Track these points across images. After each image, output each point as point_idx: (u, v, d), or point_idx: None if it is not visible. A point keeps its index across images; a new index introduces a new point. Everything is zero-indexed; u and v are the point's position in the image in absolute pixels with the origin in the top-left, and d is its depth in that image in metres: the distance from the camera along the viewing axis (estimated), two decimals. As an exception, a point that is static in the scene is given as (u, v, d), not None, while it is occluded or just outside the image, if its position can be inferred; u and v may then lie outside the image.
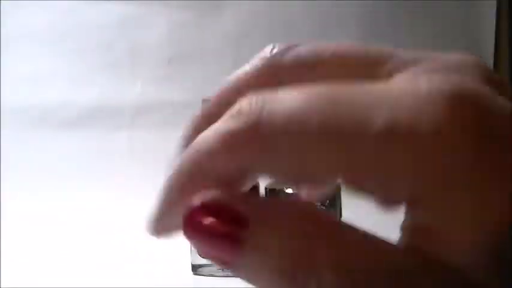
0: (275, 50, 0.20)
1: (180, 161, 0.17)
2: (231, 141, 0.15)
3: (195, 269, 0.47)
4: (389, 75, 0.16)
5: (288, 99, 0.15)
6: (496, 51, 0.90)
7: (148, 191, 0.79)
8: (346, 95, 0.15)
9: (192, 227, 0.15)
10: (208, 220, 0.15)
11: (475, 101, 0.14)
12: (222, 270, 0.46)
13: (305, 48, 0.19)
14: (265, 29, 0.89)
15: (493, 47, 0.90)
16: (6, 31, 0.88)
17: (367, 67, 0.17)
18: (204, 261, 0.47)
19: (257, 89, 0.17)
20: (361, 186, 0.15)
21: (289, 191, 0.43)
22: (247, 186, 0.17)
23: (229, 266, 0.15)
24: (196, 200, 0.15)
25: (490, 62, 0.89)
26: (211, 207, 0.15)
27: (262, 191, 0.48)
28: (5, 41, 0.88)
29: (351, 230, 0.15)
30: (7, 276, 0.46)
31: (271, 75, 0.19)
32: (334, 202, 0.49)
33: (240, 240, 0.14)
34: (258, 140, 0.15)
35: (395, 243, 0.15)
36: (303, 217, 0.15)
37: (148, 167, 0.83)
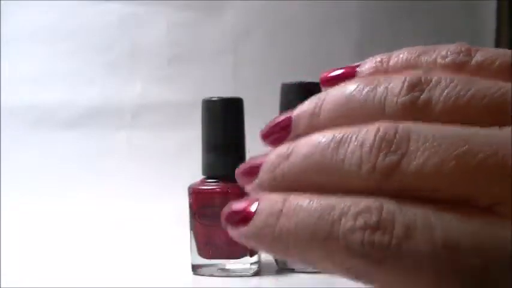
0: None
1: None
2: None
3: (195, 269, 0.47)
4: None
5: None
6: (496, 52, 0.90)
7: (148, 191, 0.80)
8: None
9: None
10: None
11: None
12: (222, 270, 0.47)
13: None
14: (265, 29, 0.89)
15: (493, 47, 0.90)
16: (6, 31, 0.88)
17: None
18: (204, 261, 0.47)
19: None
20: None
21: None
22: None
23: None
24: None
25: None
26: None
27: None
28: (5, 41, 0.88)
29: None
30: (7, 276, 0.46)
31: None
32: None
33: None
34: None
35: None
36: None
37: (148, 167, 0.83)
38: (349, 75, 0.22)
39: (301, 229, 0.18)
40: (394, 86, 0.18)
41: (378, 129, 0.17)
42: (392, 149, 0.17)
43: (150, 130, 0.87)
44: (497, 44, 0.90)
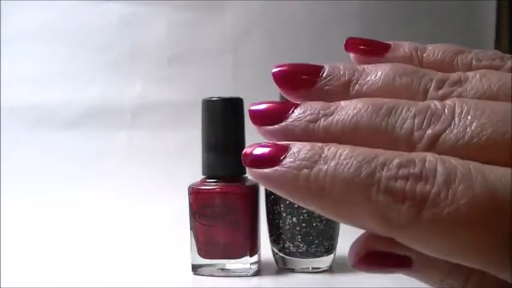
0: None
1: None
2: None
3: (195, 269, 0.47)
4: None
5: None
6: (496, 51, 0.90)
7: (148, 191, 0.79)
8: None
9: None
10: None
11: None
12: (222, 270, 0.47)
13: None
14: (265, 29, 0.89)
15: (493, 47, 0.90)
16: (6, 31, 0.88)
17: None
18: (204, 261, 0.47)
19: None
20: None
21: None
22: None
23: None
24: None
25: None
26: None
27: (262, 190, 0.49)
28: (5, 41, 0.88)
29: None
30: (7, 276, 0.46)
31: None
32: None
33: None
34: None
35: None
36: None
37: (148, 167, 0.83)
38: (379, 53, 0.24)
39: (341, 172, 0.18)
40: (437, 80, 0.20)
41: (429, 105, 0.19)
42: (440, 120, 0.18)
43: (150, 130, 0.87)
44: (497, 44, 0.90)
